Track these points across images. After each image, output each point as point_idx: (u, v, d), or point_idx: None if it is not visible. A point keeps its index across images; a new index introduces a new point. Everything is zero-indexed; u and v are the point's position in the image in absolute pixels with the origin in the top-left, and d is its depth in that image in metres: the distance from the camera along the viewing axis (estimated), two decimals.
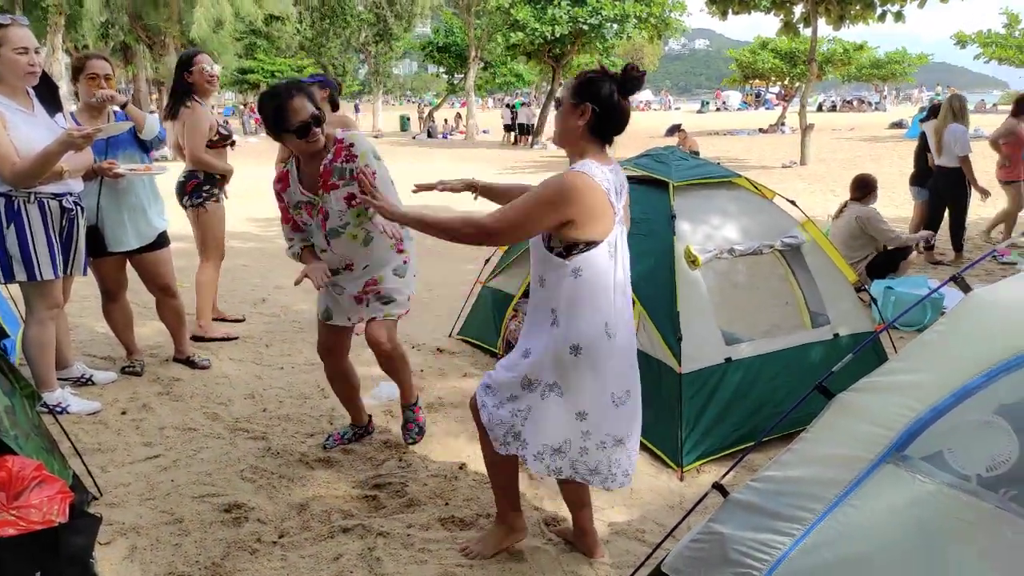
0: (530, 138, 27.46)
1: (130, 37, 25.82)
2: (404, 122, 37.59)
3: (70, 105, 4.36)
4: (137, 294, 4.75)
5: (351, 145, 2.98)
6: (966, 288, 1.86)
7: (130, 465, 3.30)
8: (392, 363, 3.24)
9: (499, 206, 2.41)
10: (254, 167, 11.74)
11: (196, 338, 4.82)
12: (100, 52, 4.60)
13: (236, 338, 5.02)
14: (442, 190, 2.75)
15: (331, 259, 3.12)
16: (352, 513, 2.92)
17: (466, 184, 2.74)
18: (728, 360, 3.42)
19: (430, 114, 35.84)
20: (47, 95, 3.64)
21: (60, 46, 20.82)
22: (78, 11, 20.73)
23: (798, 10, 17.35)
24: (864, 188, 6.10)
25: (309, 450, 3.44)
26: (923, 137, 7.70)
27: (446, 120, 35.83)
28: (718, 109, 56.12)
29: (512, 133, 29.15)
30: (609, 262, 2.26)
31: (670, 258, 3.47)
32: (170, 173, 4.34)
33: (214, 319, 5.11)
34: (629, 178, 2.61)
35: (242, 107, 39.31)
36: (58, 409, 3.62)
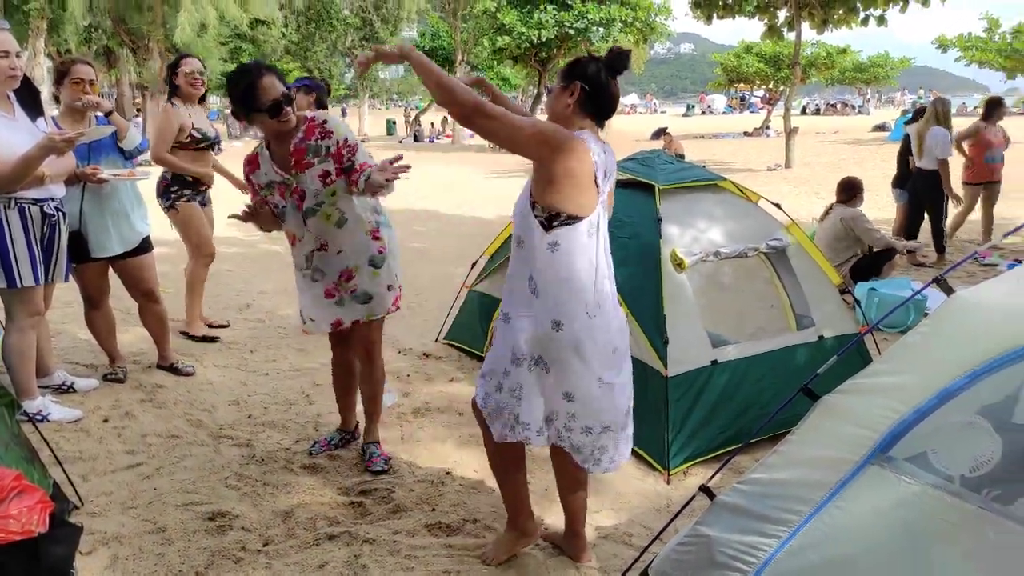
0: None
1: (113, 41, 25.60)
2: (390, 126, 37.52)
3: (52, 110, 4.31)
4: (120, 300, 4.71)
5: (324, 122, 2.94)
6: (949, 290, 1.88)
7: (112, 473, 3.26)
8: (371, 372, 3.25)
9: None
10: (237, 171, 11.64)
11: (181, 333, 4.99)
12: (84, 57, 4.60)
13: (218, 339, 5.02)
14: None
15: (307, 240, 3.08)
16: (338, 520, 2.90)
17: (475, 80, 2.73)
18: (714, 362, 3.43)
19: (416, 118, 35.75)
20: (28, 99, 3.59)
21: (42, 50, 20.56)
22: (61, 15, 20.51)
23: (782, 14, 17.52)
24: (850, 191, 6.15)
25: (294, 456, 3.41)
26: (907, 139, 7.77)
27: (432, 124, 35.80)
28: (703, 113, 56.48)
29: None
30: (589, 240, 2.26)
31: (656, 261, 3.48)
32: (153, 178, 4.30)
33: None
34: (615, 182, 2.62)
35: (227, 111, 39.12)
36: (39, 417, 3.56)
